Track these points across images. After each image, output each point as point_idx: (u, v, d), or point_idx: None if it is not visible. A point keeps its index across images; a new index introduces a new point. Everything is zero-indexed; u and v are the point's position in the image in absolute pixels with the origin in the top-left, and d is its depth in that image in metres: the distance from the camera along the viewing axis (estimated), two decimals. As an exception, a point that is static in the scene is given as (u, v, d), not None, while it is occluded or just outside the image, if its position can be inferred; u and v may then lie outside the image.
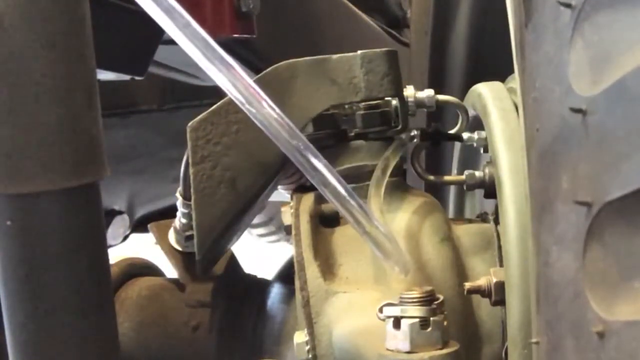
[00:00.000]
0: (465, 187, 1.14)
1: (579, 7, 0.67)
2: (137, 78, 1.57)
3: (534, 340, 0.75)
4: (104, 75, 1.47)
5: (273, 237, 3.89)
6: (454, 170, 1.41)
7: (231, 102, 0.97)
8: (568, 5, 0.68)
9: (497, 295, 0.99)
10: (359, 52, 1.10)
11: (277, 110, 0.88)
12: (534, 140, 0.74)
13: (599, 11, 0.66)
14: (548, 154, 0.71)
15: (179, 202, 1.18)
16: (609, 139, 0.63)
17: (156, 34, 1.45)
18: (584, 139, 0.65)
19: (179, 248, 1.26)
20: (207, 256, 1.13)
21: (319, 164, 0.90)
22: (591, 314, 0.63)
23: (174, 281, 1.30)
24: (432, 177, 1.17)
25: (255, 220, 3.48)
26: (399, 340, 0.91)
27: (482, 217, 1.18)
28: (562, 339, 0.68)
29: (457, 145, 1.39)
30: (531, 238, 0.76)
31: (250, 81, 0.87)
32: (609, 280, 0.63)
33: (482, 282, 1.01)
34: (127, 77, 1.55)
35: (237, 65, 0.86)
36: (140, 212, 2.33)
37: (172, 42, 0.88)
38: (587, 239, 0.65)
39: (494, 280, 0.99)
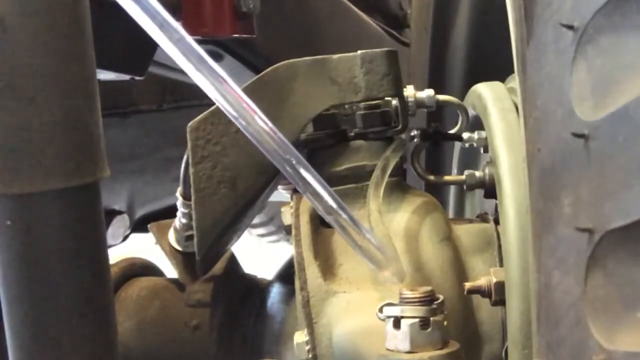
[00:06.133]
0: (465, 187, 1.14)
1: (581, 29, 0.66)
2: (137, 78, 1.57)
3: None
4: (104, 75, 1.47)
5: (273, 237, 3.89)
6: (454, 170, 1.41)
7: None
8: (570, 27, 0.67)
9: (497, 295, 0.99)
10: (359, 52, 1.10)
11: (269, 124, 0.88)
12: (535, 159, 0.73)
13: (603, 35, 0.65)
14: (549, 175, 0.70)
15: (179, 202, 1.18)
16: (611, 166, 0.63)
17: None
18: (585, 163, 0.65)
19: (179, 248, 1.26)
20: (207, 256, 1.13)
21: (311, 177, 0.90)
22: (592, 342, 0.63)
23: (174, 281, 1.30)
24: (432, 177, 1.17)
25: (255, 220, 3.48)
26: (399, 340, 0.91)
27: (482, 217, 1.18)
28: None
29: (457, 145, 1.39)
30: (531, 256, 0.76)
31: (243, 95, 0.88)
32: (611, 308, 0.63)
33: (482, 282, 1.01)
34: (127, 77, 1.55)
35: (229, 79, 0.87)
36: (140, 212, 2.33)
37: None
38: (588, 265, 0.64)
39: (494, 280, 0.99)
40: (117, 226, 2.20)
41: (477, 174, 1.12)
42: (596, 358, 0.62)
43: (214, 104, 1.06)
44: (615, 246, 0.63)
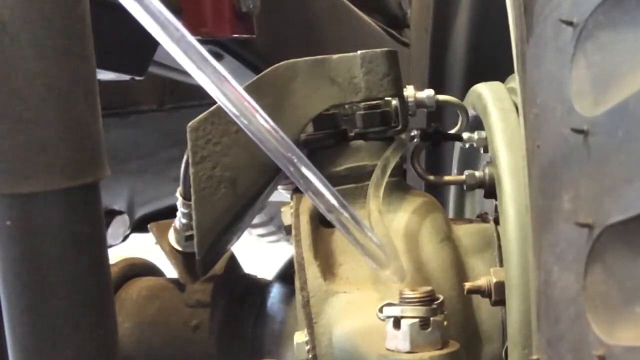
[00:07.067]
0: (465, 187, 1.14)
1: (580, 25, 0.67)
2: (137, 78, 1.57)
3: (534, 357, 0.75)
4: (104, 75, 1.47)
5: (273, 237, 3.89)
6: (454, 170, 1.41)
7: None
8: (570, 23, 0.67)
9: (497, 295, 0.99)
10: (359, 52, 1.10)
11: (271, 122, 0.88)
12: (535, 156, 0.73)
13: (602, 30, 0.65)
14: (549, 172, 0.70)
15: (179, 202, 1.18)
16: (610, 161, 0.63)
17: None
18: (585, 159, 0.65)
19: (179, 248, 1.26)
20: (207, 256, 1.13)
21: (312, 175, 0.90)
22: (592, 337, 0.63)
23: (174, 281, 1.30)
24: (432, 177, 1.17)
25: (255, 220, 3.48)
26: (399, 340, 0.91)
27: (482, 217, 1.18)
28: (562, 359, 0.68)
29: (457, 145, 1.39)
30: (531, 253, 0.76)
31: (244, 93, 0.88)
32: (610, 303, 0.63)
33: (482, 282, 1.01)
34: (127, 77, 1.55)
35: (231, 78, 0.87)
36: (140, 212, 2.33)
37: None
38: (588, 260, 0.64)
39: (494, 280, 0.99)
40: (117, 226, 2.21)
41: (477, 174, 1.12)
42: (596, 353, 0.62)
43: (213, 104, 1.07)
44: (615, 241, 0.63)
